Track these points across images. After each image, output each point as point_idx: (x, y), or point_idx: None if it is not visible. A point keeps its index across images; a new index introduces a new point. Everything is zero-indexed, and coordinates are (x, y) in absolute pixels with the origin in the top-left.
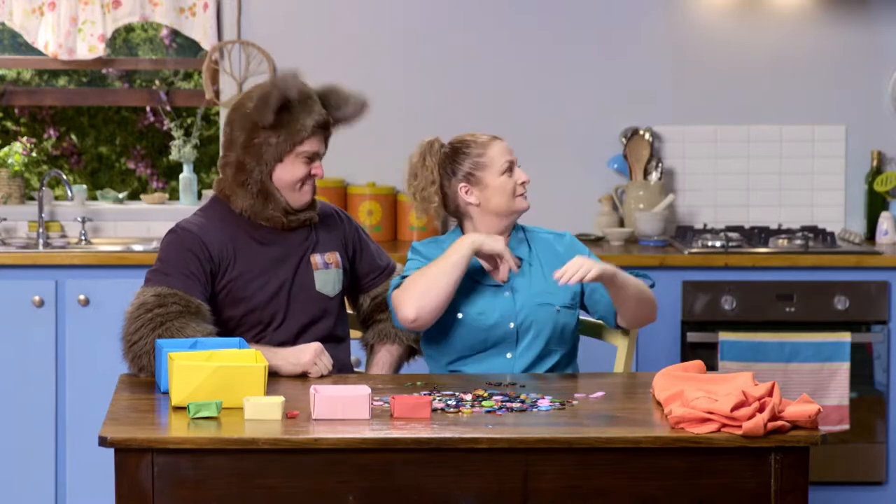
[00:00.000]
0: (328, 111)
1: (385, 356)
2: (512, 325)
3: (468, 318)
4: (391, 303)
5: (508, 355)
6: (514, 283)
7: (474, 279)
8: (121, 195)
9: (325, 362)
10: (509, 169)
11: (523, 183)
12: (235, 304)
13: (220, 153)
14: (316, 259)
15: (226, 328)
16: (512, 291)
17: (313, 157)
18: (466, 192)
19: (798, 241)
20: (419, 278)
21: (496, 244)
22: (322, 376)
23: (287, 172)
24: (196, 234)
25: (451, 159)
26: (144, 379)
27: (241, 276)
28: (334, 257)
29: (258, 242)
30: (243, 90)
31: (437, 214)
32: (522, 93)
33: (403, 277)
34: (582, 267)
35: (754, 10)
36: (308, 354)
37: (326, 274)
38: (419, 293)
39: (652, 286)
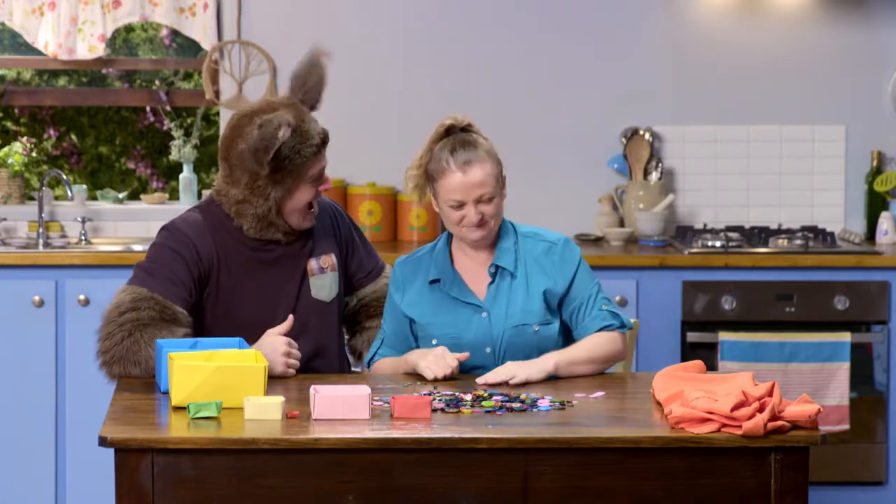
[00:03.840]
0: (304, 93)
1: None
2: (489, 349)
3: (442, 342)
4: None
5: None
6: (490, 302)
7: (451, 295)
8: (121, 195)
9: (295, 354)
10: (458, 206)
11: (476, 223)
12: (224, 313)
13: (220, 175)
14: (312, 264)
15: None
16: (488, 313)
17: (320, 176)
18: (436, 203)
19: (798, 241)
20: (382, 371)
21: (426, 368)
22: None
23: (297, 200)
24: (188, 235)
25: (435, 157)
26: (144, 379)
27: (230, 283)
28: (330, 260)
29: (251, 249)
30: (242, 92)
31: (418, 197)
32: (522, 93)
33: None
34: (508, 376)
35: (754, 10)
36: (278, 365)
37: (322, 279)
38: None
39: (621, 327)
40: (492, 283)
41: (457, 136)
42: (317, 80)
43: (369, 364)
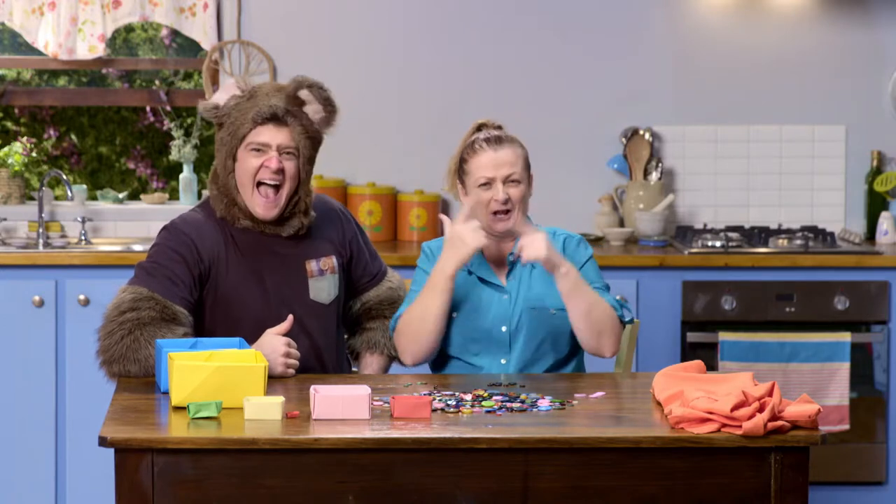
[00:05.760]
0: (295, 104)
1: (374, 366)
2: (504, 328)
3: (462, 316)
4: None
5: (503, 360)
6: (511, 286)
7: (476, 276)
8: (121, 195)
9: (295, 354)
10: (486, 184)
11: (502, 201)
12: (223, 313)
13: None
14: (311, 266)
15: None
16: (510, 295)
17: (262, 148)
18: (463, 193)
19: (798, 241)
20: (409, 321)
21: (465, 251)
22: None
23: (240, 168)
24: (188, 234)
25: (465, 150)
26: (144, 379)
27: (229, 283)
28: (330, 262)
29: (249, 247)
30: None
31: (455, 196)
32: (522, 93)
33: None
34: (535, 244)
35: (754, 10)
36: (277, 366)
37: (321, 281)
38: (411, 339)
39: (622, 317)
40: (511, 270)
41: (489, 129)
42: (319, 101)
43: (393, 327)
